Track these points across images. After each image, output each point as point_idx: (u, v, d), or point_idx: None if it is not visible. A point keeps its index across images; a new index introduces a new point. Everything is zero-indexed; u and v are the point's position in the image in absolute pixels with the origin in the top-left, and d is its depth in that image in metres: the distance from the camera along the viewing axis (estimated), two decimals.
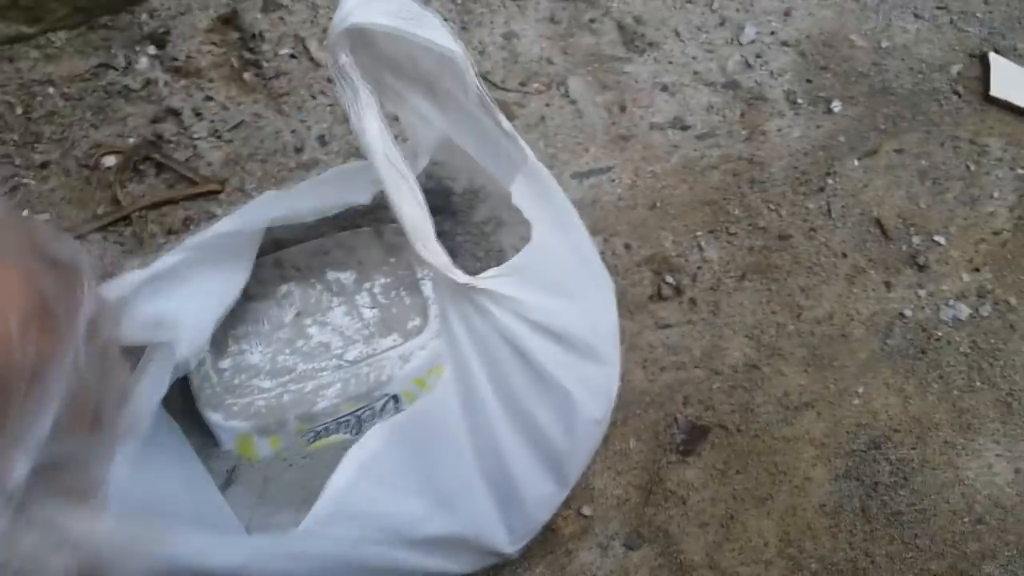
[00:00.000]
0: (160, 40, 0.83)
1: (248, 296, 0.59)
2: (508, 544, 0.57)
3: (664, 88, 0.87)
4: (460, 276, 0.45)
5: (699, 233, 0.80)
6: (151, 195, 0.77)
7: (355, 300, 0.59)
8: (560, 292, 0.52)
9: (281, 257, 0.61)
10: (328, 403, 0.54)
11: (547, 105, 0.85)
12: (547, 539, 0.68)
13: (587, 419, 0.57)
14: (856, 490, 0.71)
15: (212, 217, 0.77)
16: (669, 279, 0.78)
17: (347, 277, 0.60)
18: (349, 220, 0.65)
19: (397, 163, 0.43)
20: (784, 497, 0.71)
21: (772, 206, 0.82)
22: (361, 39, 0.44)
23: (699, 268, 0.79)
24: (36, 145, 0.79)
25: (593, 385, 0.57)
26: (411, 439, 0.46)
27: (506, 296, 0.48)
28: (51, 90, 0.81)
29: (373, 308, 0.58)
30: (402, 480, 0.46)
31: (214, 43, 0.85)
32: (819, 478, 0.72)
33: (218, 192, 0.78)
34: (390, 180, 0.43)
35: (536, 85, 0.85)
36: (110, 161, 0.78)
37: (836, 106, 0.87)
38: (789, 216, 0.81)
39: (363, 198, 0.55)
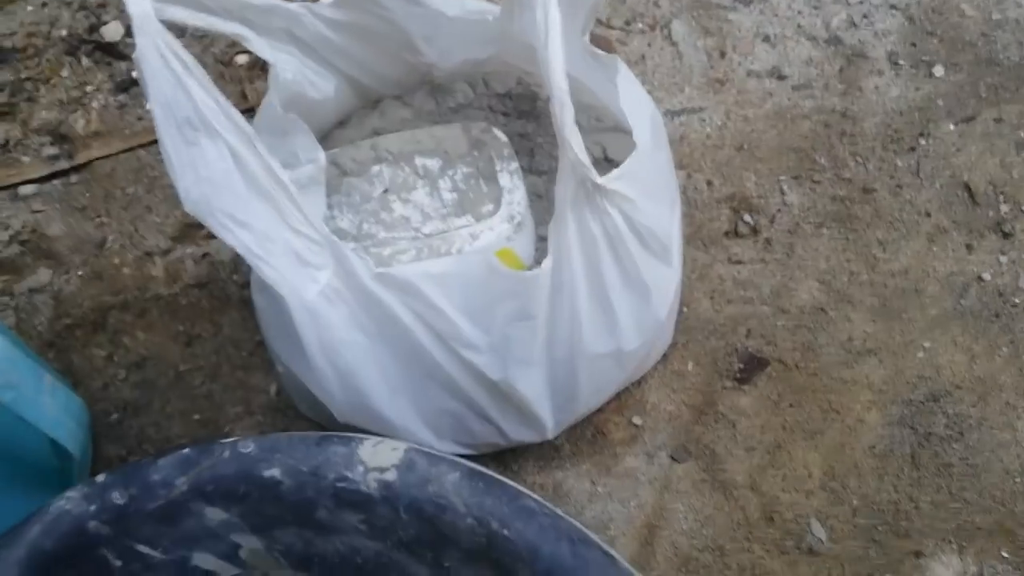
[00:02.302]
0: None
1: (344, 172, 0.65)
2: (549, 420, 0.61)
3: (766, 38, 0.89)
4: (595, 176, 0.50)
5: (783, 178, 0.82)
6: None
7: (437, 183, 0.64)
8: (653, 196, 0.57)
9: (377, 142, 0.67)
10: (401, 266, 0.60)
11: (648, 45, 0.88)
12: (596, 440, 0.72)
13: (656, 317, 0.61)
14: (908, 437, 0.72)
15: None
16: (747, 218, 0.81)
17: (433, 164, 0.65)
18: (442, 116, 0.71)
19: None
20: (834, 434, 0.73)
21: (860, 159, 0.83)
22: None
23: (778, 211, 0.81)
24: (181, 38, 0.88)
25: (663, 286, 0.61)
26: (493, 286, 0.51)
27: (624, 196, 0.53)
28: None
29: (452, 192, 0.64)
30: (468, 305, 0.52)
31: None
32: (872, 421, 0.73)
33: None
34: (561, 95, 0.47)
35: (640, 25, 0.88)
36: (242, 60, 0.87)
37: (938, 71, 0.87)
38: (876, 171, 0.82)
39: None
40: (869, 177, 0.82)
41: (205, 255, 0.80)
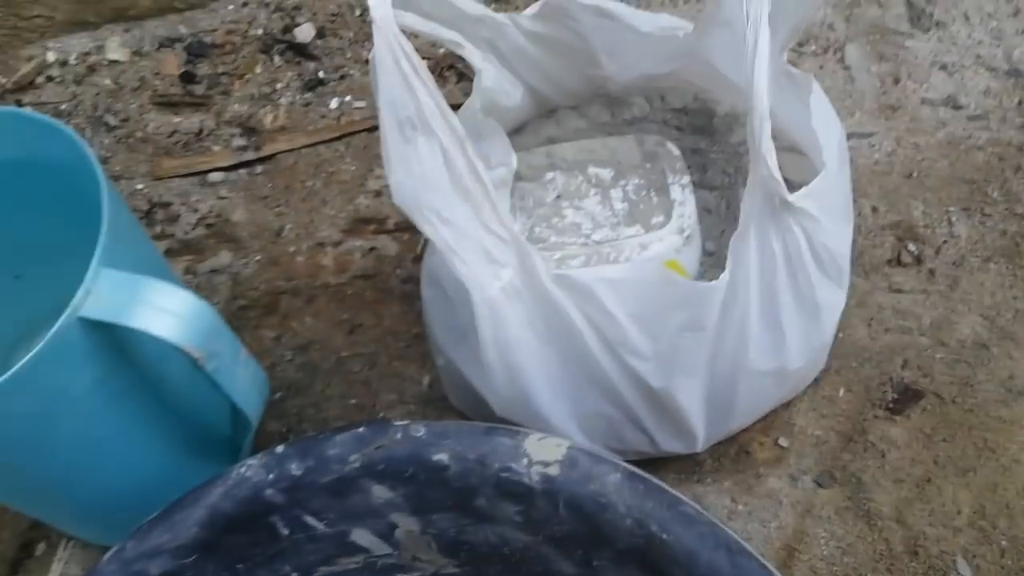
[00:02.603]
0: None
1: (519, 177, 0.68)
2: (701, 433, 0.62)
3: (943, 67, 0.88)
4: (785, 192, 0.51)
5: (951, 209, 0.81)
6: (450, 98, 0.88)
7: (609, 193, 0.66)
8: (836, 217, 0.58)
9: (552, 150, 0.69)
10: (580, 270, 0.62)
11: (820, 68, 0.88)
12: (740, 459, 0.73)
13: (823, 339, 0.62)
14: None
15: None
16: (911, 247, 0.79)
17: (605, 173, 0.67)
18: (616, 128, 0.72)
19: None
20: (987, 473, 0.71)
21: None
22: None
23: (944, 242, 0.80)
24: (365, 43, 0.93)
25: (833, 308, 0.62)
26: (667, 295, 0.53)
27: (809, 214, 0.54)
28: None
29: (623, 202, 0.65)
30: (636, 311, 0.53)
31: None
32: None
33: None
34: (762, 110, 0.49)
35: (813, 47, 0.88)
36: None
37: None
38: None
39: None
40: None
41: (372, 249, 0.85)
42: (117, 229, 0.53)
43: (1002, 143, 0.83)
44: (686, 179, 0.65)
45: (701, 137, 0.70)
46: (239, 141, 0.91)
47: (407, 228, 0.86)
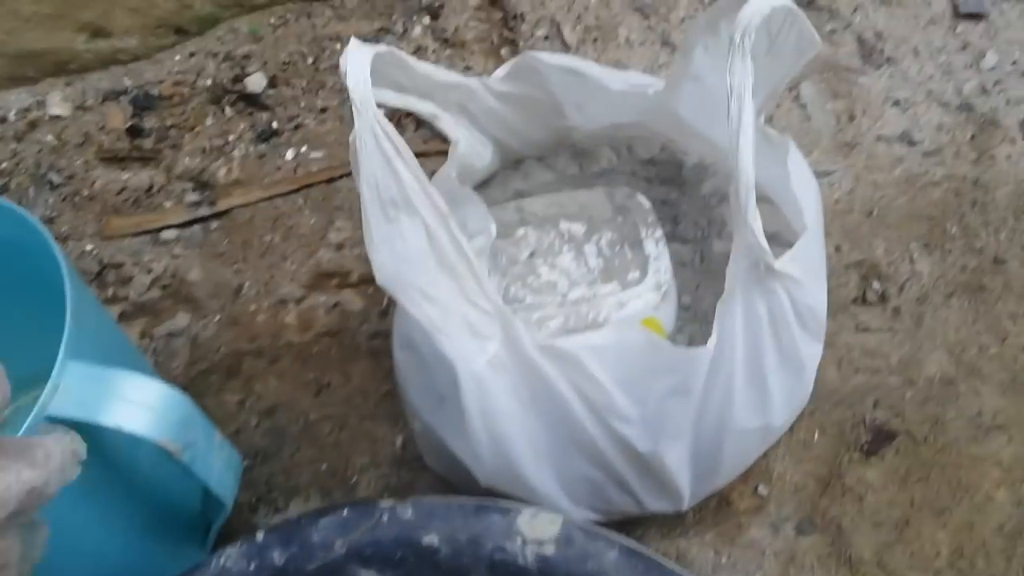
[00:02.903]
0: (435, 12, 0.94)
1: (474, 233, 0.67)
2: (687, 492, 0.62)
3: (896, 103, 0.89)
4: (772, 259, 0.51)
5: (913, 245, 0.82)
6: (411, 145, 0.87)
7: (583, 248, 0.65)
8: (816, 276, 0.58)
9: (522, 204, 0.68)
10: (549, 332, 0.61)
11: (777, 106, 0.89)
12: (720, 510, 0.72)
13: (805, 393, 0.62)
14: None
15: None
16: (876, 285, 0.80)
17: (578, 228, 0.66)
18: (585, 181, 0.72)
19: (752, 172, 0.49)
20: (963, 512, 0.72)
21: (991, 229, 0.82)
22: None
23: (908, 279, 0.81)
24: (319, 92, 0.91)
25: (814, 361, 0.62)
26: (653, 360, 0.52)
27: (793, 278, 0.54)
28: (338, 46, 0.93)
29: (598, 257, 0.65)
30: (622, 376, 0.53)
31: (479, 20, 0.94)
32: (1001, 500, 0.72)
33: None
34: (748, 180, 0.49)
35: None
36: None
37: None
38: (1007, 242, 0.82)
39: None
40: (1000, 248, 0.81)
41: (336, 304, 0.83)
42: (80, 315, 0.51)
43: (957, 178, 0.85)
44: (659, 232, 0.65)
45: (671, 188, 0.70)
46: (192, 196, 0.88)
47: (371, 282, 0.83)
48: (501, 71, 0.61)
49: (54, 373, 0.47)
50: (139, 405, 0.48)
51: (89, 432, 0.50)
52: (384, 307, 0.82)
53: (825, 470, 0.73)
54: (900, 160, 0.86)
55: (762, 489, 0.73)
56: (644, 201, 0.67)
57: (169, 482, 0.61)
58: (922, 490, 0.73)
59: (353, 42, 0.49)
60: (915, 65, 0.91)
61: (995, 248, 0.81)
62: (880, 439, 0.75)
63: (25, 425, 0.46)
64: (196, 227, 0.87)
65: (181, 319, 0.83)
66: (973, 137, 0.87)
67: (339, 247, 0.85)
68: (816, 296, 0.56)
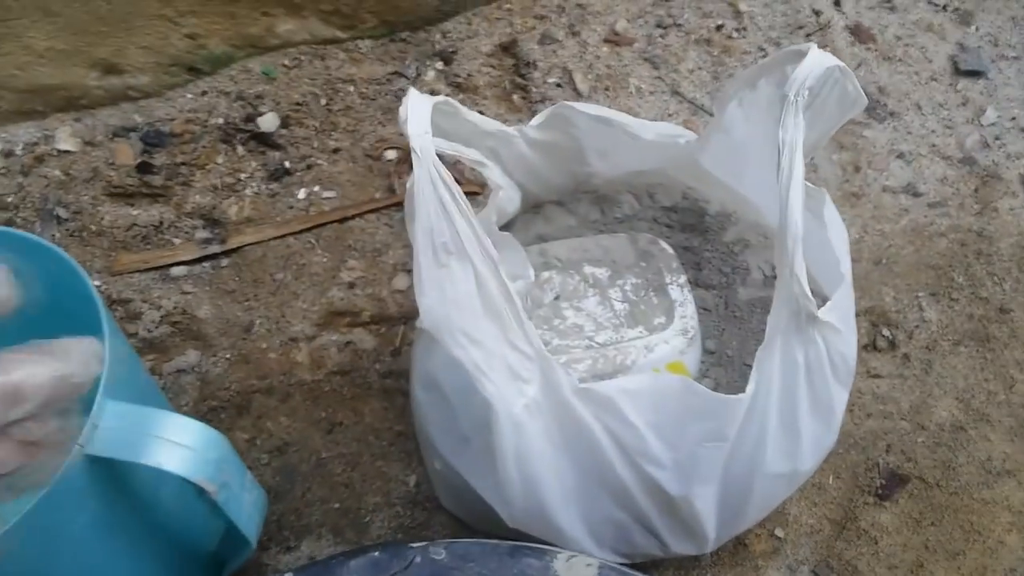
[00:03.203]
0: (448, 58, 0.95)
1: (513, 277, 0.67)
2: (712, 535, 0.62)
3: (900, 155, 0.91)
4: (815, 308, 0.51)
5: (920, 294, 0.83)
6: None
7: (608, 293, 0.66)
8: (850, 324, 0.60)
9: (545, 248, 0.69)
10: (578, 375, 0.61)
11: None
12: (738, 552, 0.73)
13: (832, 439, 0.62)
14: None
15: None
16: (885, 332, 0.81)
17: (602, 273, 0.67)
18: (606, 226, 0.73)
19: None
20: (975, 556, 0.72)
21: (996, 279, 0.84)
22: None
23: (916, 327, 0.82)
24: (332, 133, 0.91)
25: (841, 408, 0.62)
26: (690, 406, 0.53)
27: (834, 328, 0.55)
28: (351, 88, 0.94)
29: (623, 302, 0.65)
30: (656, 420, 0.53)
31: (492, 66, 0.95)
32: (1012, 544, 0.73)
33: (478, 194, 0.87)
34: (796, 232, 0.50)
35: None
36: (391, 155, 0.90)
37: None
38: (1012, 291, 0.83)
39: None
40: (1006, 297, 0.83)
41: (348, 343, 0.82)
42: (115, 352, 0.50)
43: (962, 229, 0.87)
44: (683, 278, 0.66)
45: (692, 235, 0.71)
46: (202, 234, 0.88)
47: (383, 321, 0.84)
48: (537, 119, 0.62)
49: (93, 412, 0.47)
50: (178, 445, 0.48)
51: (120, 470, 0.50)
52: (397, 347, 0.82)
53: (840, 513, 0.74)
54: (906, 211, 0.88)
55: (779, 532, 0.73)
56: (667, 247, 0.68)
57: (188, 519, 0.60)
58: (935, 534, 0.73)
59: (412, 92, 0.50)
60: (918, 119, 0.94)
61: (1000, 298, 0.83)
62: (893, 483, 0.76)
63: (66, 462, 0.45)
64: (206, 264, 0.86)
65: (191, 356, 0.82)
66: (976, 190, 0.89)
67: (351, 286, 0.85)
68: (850, 344, 0.57)
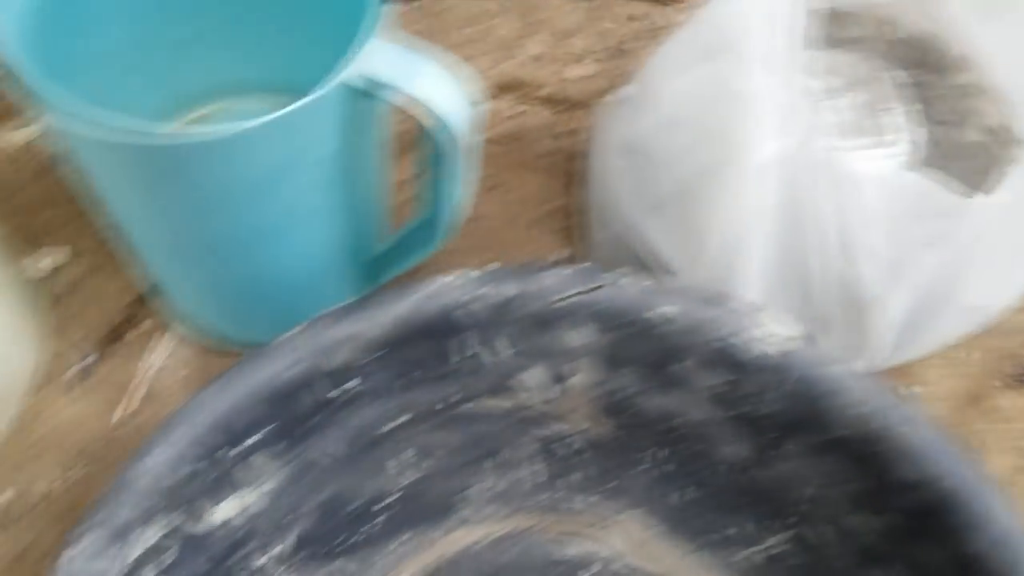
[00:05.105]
0: None
1: None
2: (882, 352, 0.62)
3: None
4: None
5: None
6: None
7: (834, 101, 0.65)
8: None
9: None
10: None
11: None
12: None
13: None
14: None
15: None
16: None
17: (830, 82, 0.66)
18: (834, 43, 0.71)
19: None
20: None
21: None
22: None
23: None
24: None
25: None
26: (922, 205, 0.52)
27: None
28: None
29: (849, 113, 0.64)
30: (889, 213, 0.52)
31: None
32: None
33: None
34: None
35: None
36: None
37: None
38: None
39: None
40: None
41: (523, 112, 0.82)
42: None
43: None
44: (911, 108, 0.64)
45: (922, 71, 0.69)
46: None
47: (560, 102, 0.83)
48: None
49: (356, 41, 0.46)
50: (448, 92, 0.48)
51: (360, 115, 0.49)
52: (569, 128, 0.81)
53: (976, 388, 0.74)
54: None
55: (917, 388, 0.73)
56: (898, 75, 0.66)
57: (379, 200, 0.60)
58: None
59: None
60: None
61: None
62: None
63: (333, 80, 0.45)
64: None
65: None
66: None
67: (537, 59, 0.84)
68: None
